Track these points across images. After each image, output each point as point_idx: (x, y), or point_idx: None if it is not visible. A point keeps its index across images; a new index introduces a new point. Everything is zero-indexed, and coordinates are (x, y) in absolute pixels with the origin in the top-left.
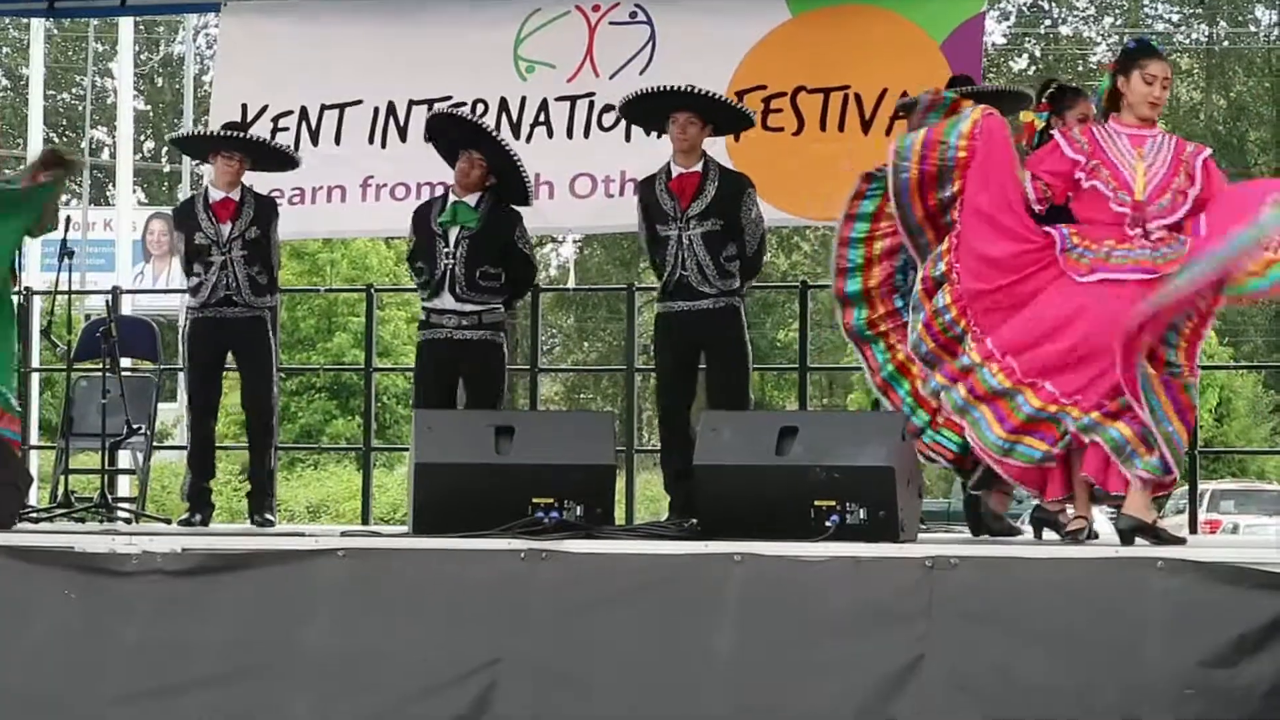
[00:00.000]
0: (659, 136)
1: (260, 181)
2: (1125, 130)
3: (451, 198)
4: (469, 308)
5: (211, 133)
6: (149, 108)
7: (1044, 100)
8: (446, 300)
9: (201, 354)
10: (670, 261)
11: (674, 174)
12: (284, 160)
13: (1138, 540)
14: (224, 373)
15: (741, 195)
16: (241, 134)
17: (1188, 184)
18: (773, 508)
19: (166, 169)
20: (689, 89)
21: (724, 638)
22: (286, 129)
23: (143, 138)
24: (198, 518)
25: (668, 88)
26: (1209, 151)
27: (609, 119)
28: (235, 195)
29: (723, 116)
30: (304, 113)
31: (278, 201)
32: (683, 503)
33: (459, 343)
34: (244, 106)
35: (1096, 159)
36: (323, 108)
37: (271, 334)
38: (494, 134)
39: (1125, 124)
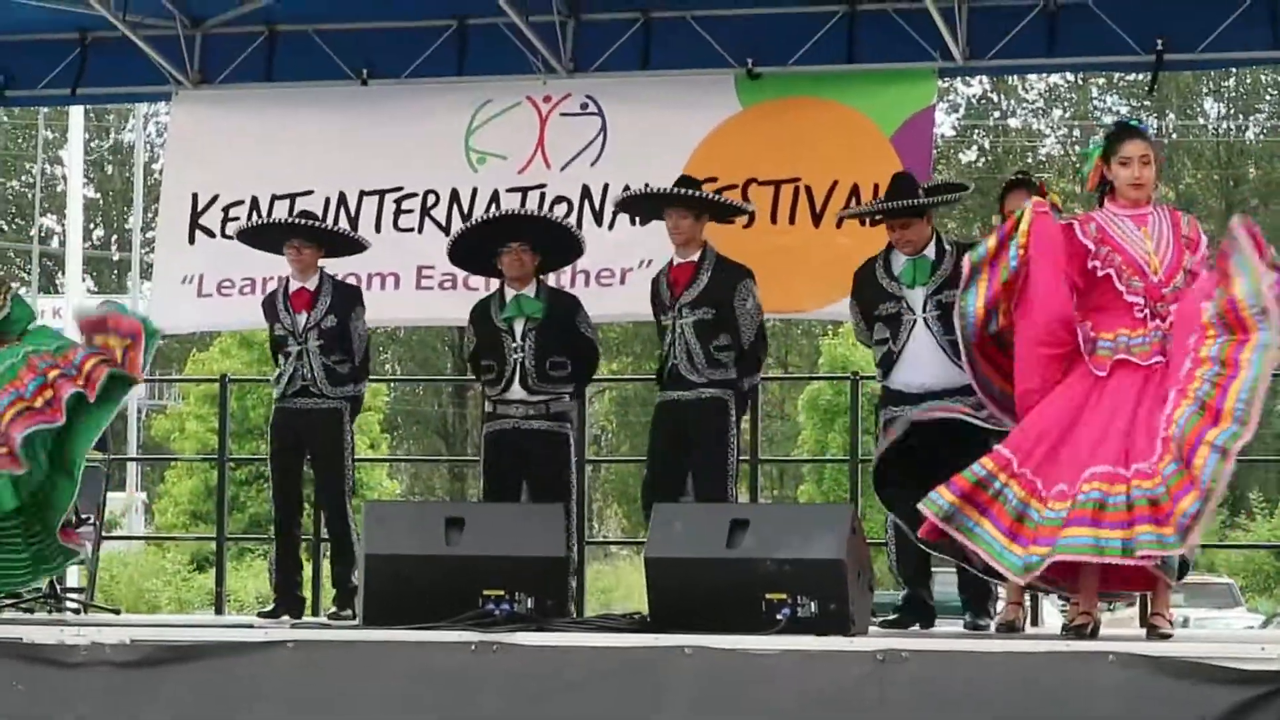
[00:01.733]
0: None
1: (212, 271)
2: (1125, 212)
3: (510, 291)
4: (538, 397)
5: (279, 220)
6: (99, 195)
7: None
8: (516, 392)
9: (280, 446)
10: (666, 350)
11: (674, 264)
12: (351, 244)
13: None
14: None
15: (737, 285)
16: (307, 222)
17: (1191, 257)
18: (723, 600)
19: (116, 257)
20: (676, 191)
21: None
22: (237, 219)
23: (93, 225)
24: (287, 617)
25: (658, 189)
26: (1188, 215)
27: (560, 210)
28: (311, 284)
29: (715, 209)
30: (255, 203)
31: (360, 289)
32: None
33: (527, 433)
34: (195, 196)
35: (1108, 245)
36: (274, 198)
37: (346, 425)
38: (525, 213)
39: (1122, 205)
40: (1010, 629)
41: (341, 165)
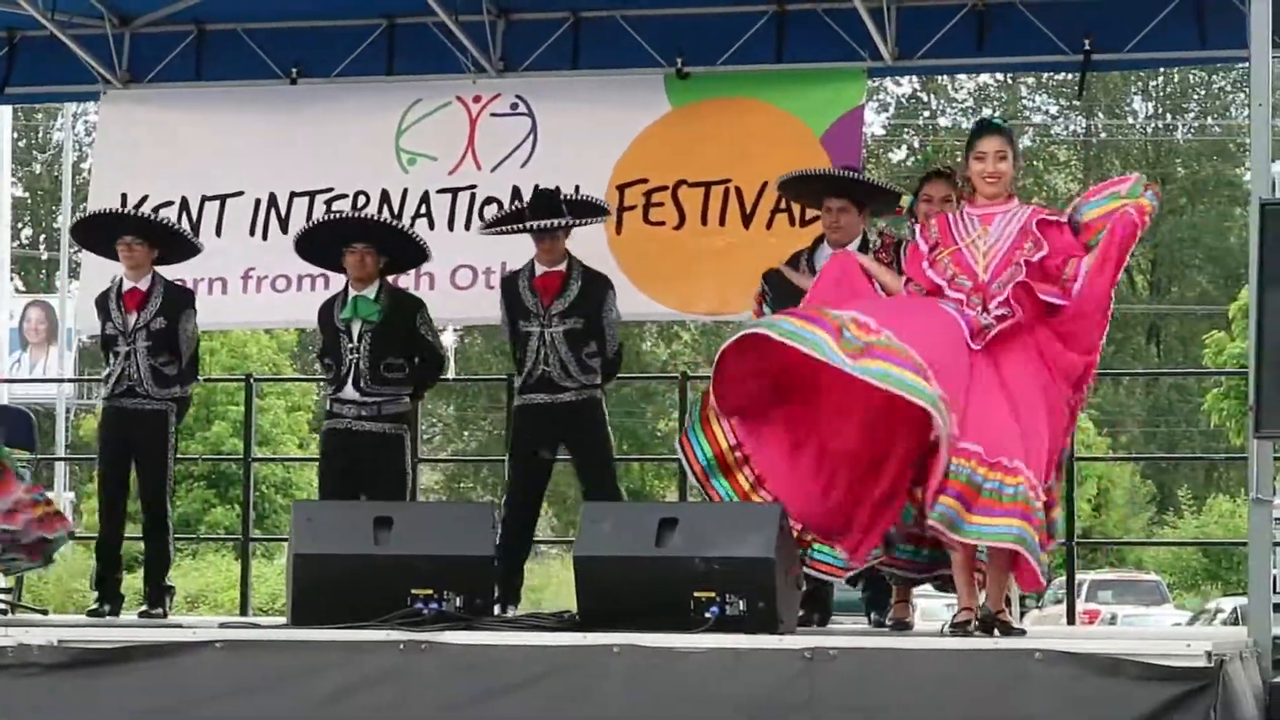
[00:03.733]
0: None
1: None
2: (977, 211)
3: (351, 292)
4: (371, 399)
5: (104, 213)
6: (27, 194)
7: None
8: (349, 392)
9: (107, 446)
10: (531, 357)
11: (538, 272)
12: (184, 246)
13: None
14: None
15: (603, 296)
16: (135, 213)
17: (1035, 250)
18: (652, 599)
19: (44, 256)
20: (538, 225)
21: None
22: (166, 220)
23: (20, 225)
24: (107, 608)
25: (526, 222)
26: (1042, 213)
27: (490, 211)
28: (143, 284)
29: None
30: (185, 203)
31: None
32: (510, 595)
33: (358, 433)
34: (124, 196)
35: (944, 245)
36: (204, 199)
37: (170, 427)
38: (366, 217)
39: (977, 204)
40: (903, 626)
41: (272, 166)
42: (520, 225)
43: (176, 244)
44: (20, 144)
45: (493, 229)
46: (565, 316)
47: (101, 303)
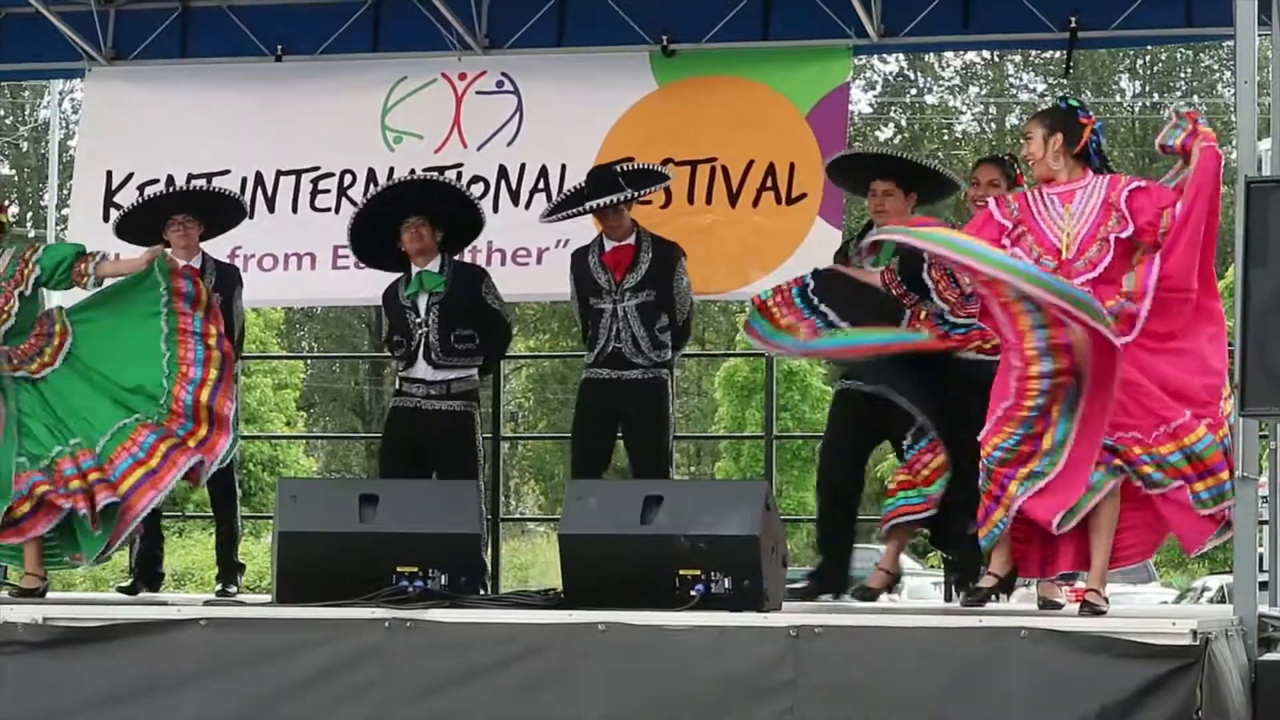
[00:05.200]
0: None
1: (126, 250)
2: (1055, 190)
3: (414, 269)
4: (442, 376)
5: (150, 200)
6: (13, 172)
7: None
8: (420, 369)
9: None
10: (604, 334)
11: (607, 247)
12: (233, 211)
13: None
14: None
15: (674, 265)
16: (181, 188)
17: (1119, 227)
18: (637, 576)
19: (31, 234)
20: (597, 204)
21: (589, 711)
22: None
23: (7, 202)
24: (143, 587)
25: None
26: (1137, 182)
27: (477, 189)
28: (196, 263)
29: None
30: (170, 181)
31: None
32: None
33: (428, 413)
34: (109, 174)
35: (1024, 225)
36: (189, 177)
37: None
38: (419, 179)
39: (1054, 184)
40: (868, 595)
41: (258, 144)
42: (581, 208)
43: (227, 212)
44: (6, 121)
45: (556, 214)
46: (638, 290)
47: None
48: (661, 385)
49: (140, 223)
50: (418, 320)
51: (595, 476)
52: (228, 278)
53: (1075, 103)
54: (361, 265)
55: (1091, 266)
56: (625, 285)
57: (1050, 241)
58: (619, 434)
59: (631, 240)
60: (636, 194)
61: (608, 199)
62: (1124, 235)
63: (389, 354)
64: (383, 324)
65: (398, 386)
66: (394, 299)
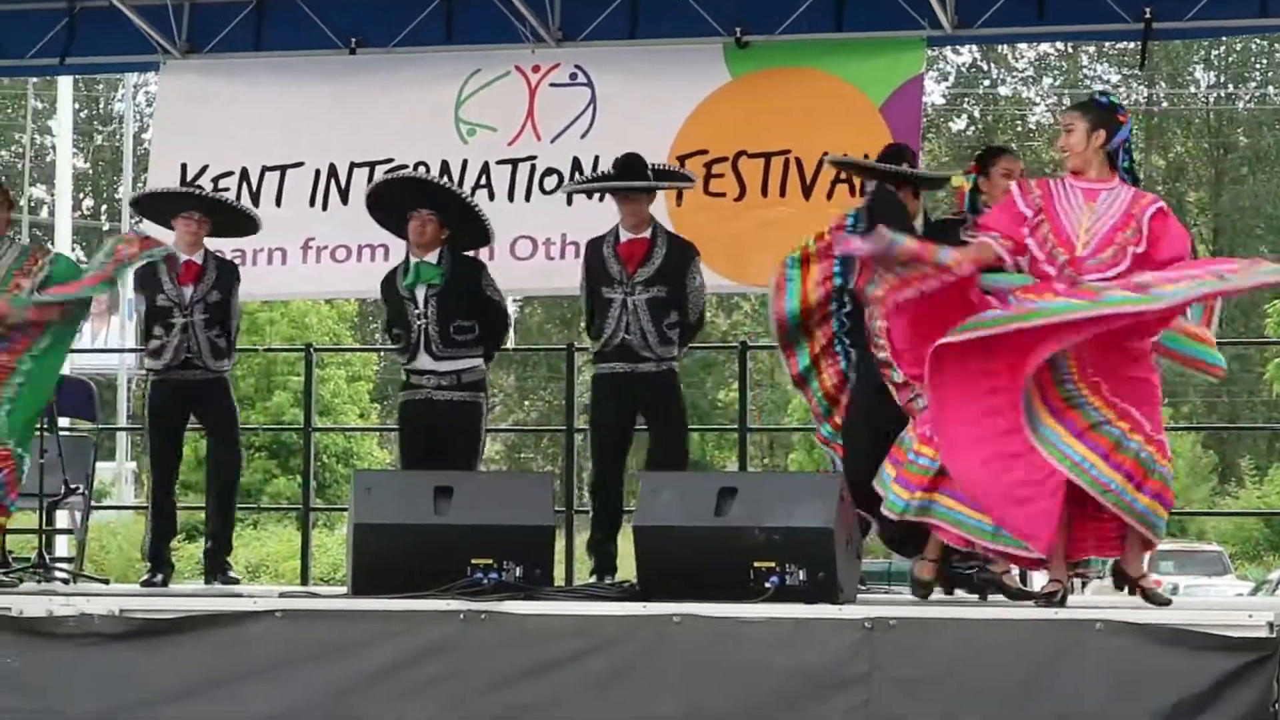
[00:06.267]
0: (600, 200)
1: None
2: (1081, 184)
3: (412, 259)
4: (447, 366)
5: (168, 191)
6: (88, 165)
7: (974, 162)
8: (424, 360)
9: (163, 417)
10: (611, 324)
11: (622, 239)
12: (244, 222)
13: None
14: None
15: (688, 263)
16: (201, 191)
17: (1134, 240)
18: (712, 568)
19: (106, 226)
20: (624, 185)
21: (665, 703)
22: (227, 190)
23: (82, 195)
24: (159, 577)
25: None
26: (1159, 204)
27: (550, 182)
28: (198, 258)
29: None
30: (244, 174)
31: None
32: (605, 564)
33: (439, 403)
34: (183, 166)
35: (1044, 214)
36: (264, 169)
37: (231, 397)
38: (439, 182)
39: (1082, 178)
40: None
41: (331, 136)
42: (606, 184)
43: (237, 221)
44: (81, 115)
45: (578, 188)
46: (649, 285)
47: (150, 275)
48: (673, 376)
49: (154, 205)
50: (416, 311)
51: (618, 472)
52: (227, 274)
53: (1116, 100)
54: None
55: (1104, 268)
56: (636, 279)
57: (1067, 235)
58: (637, 427)
59: (647, 234)
60: (660, 185)
61: (632, 183)
62: (1138, 251)
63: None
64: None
65: (405, 379)
66: (392, 289)
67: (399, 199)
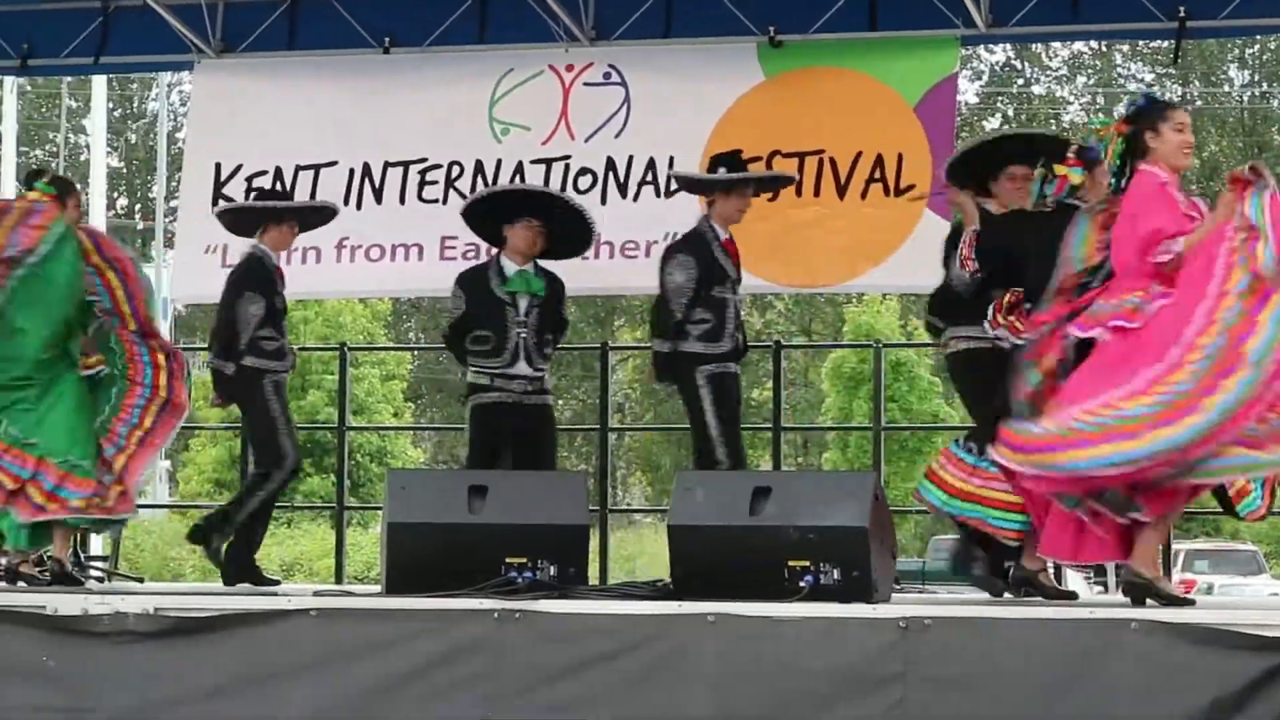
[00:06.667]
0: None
1: (236, 241)
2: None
3: (510, 266)
4: (539, 372)
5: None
6: (122, 164)
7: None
8: (521, 367)
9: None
10: (730, 324)
11: (722, 236)
12: (326, 216)
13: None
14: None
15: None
16: (288, 202)
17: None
18: (746, 567)
19: (140, 226)
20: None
21: (698, 702)
22: (261, 189)
23: (116, 194)
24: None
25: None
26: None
27: (585, 182)
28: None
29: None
30: (279, 173)
31: None
32: None
33: (530, 407)
34: (218, 165)
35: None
36: (297, 168)
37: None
38: (562, 196)
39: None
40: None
41: (365, 136)
42: (747, 176)
43: (318, 218)
44: (116, 114)
45: (695, 184)
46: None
47: (259, 278)
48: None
49: (240, 218)
50: (518, 319)
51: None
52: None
53: (1155, 97)
54: (471, 255)
55: None
56: (738, 278)
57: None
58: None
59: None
60: (783, 176)
61: (771, 173)
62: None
63: (451, 342)
64: (452, 308)
65: (487, 381)
66: (483, 288)
67: (497, 207)
